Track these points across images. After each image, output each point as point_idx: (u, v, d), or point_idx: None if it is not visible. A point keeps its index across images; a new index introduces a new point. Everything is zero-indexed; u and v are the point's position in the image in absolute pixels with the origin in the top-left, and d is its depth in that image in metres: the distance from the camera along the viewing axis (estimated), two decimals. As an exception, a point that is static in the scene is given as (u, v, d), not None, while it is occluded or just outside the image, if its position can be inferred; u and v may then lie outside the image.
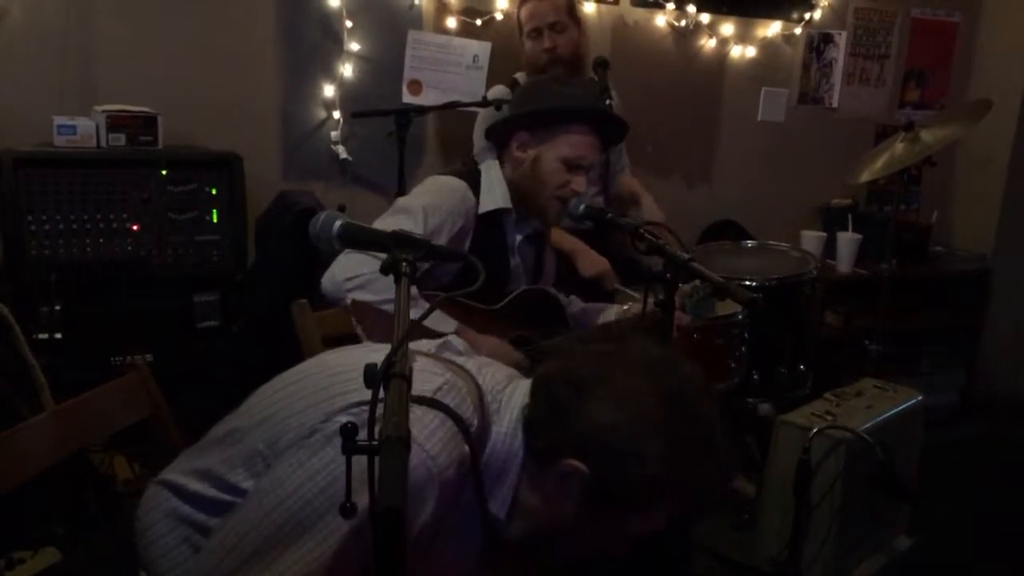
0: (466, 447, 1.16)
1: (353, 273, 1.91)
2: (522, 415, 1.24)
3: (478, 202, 2.15)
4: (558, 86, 2.22)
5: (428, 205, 2.05)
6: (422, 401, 1.15)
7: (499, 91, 3.13)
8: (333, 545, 1.09)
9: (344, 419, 1.06)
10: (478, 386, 1.25)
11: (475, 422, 1.19)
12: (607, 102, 2.87)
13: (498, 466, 1.23)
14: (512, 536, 1.27)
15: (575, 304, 2.40)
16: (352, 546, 1.09)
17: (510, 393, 1.28)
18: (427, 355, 1.31)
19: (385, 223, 2.03)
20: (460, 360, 1.32)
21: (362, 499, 0.90)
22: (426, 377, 1.20)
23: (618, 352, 1.24)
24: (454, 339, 1.43)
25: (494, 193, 2.17)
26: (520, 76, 3.15)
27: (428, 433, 1.13)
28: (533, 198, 2.16)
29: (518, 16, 3.19)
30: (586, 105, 2.19)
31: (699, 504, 1.28)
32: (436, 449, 1.13)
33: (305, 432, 1.16)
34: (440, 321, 1.97)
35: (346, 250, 1.95)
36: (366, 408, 0.97)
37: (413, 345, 1.24)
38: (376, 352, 1.07)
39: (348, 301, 1.95)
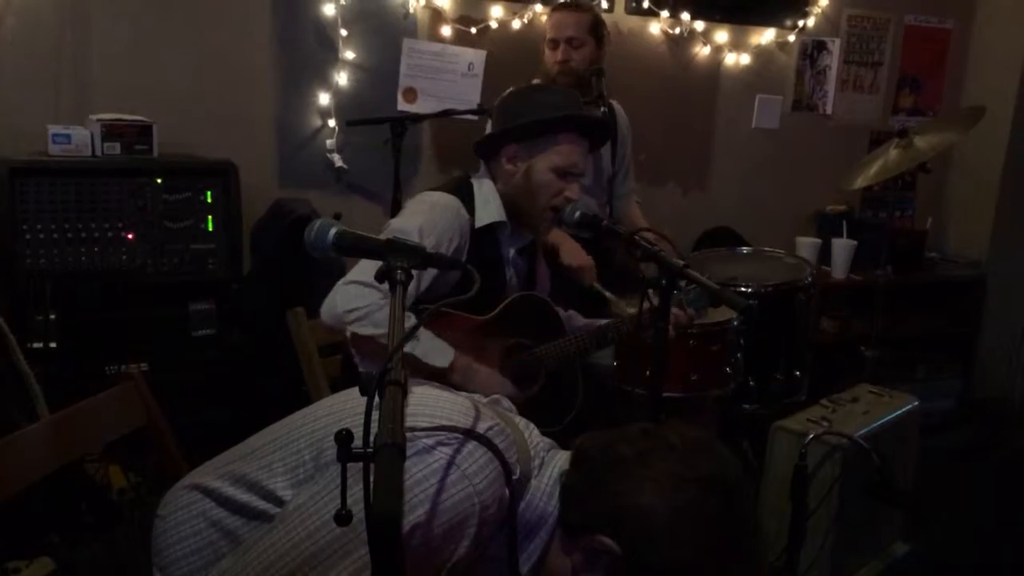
0: (507, 491, 1.17)
1: (353, 305, 1.90)
2: (559, 481, 1.24)
3: (472, 217, 2.14)
4: (538, 95, 2.22)
5: (423, 225, 2.03)
6: (475, 436, 1.16)
7: None
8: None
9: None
10: (525, 439, 1.26)
11: (518, 470, 1.20)
12: (601, 110, 2.88)
13: (532, 520, 1.23)
14: None
15: (576, 319, 2.40)
16: None
17: (553, 456, 1.28)
18: (480, 403, 1.31)
19: None
20: (510, 415, 1.33)
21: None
22: (481, 415, 1.21)
23: (658, 433, 1.22)
24: (504, 399, 1.44)
25: (489, 207, 2.17)
26: (537, 82, 3.17)
27: (477, 468, 1.14)
28: (528, 209, 2.16)
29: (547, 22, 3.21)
30: (571, 113, 2.19)
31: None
32: (482, 485, 1.14)
33: None
34: (436, 350, 1.95)
35: (343, 280, 1.95)
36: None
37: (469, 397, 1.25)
38: (438, 389, 1.08)
39: (348, 334, 1.95)
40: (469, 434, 1.17)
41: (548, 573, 1.24)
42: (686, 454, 1.17)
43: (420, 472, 1.13)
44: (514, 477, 1.19)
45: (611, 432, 1.24)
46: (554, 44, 3.10)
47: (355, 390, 1.21)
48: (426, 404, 1.22)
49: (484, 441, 1.17)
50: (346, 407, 1.29)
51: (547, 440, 1.34)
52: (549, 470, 1.26)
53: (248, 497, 1.25)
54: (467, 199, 2.16)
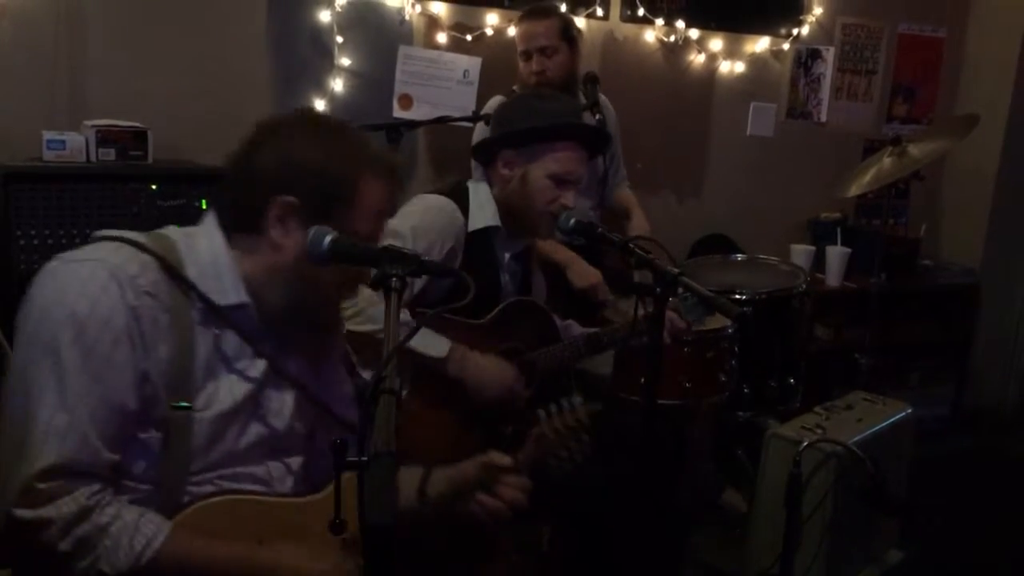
0: (155, 261, 1.31)
1: (348, 303, 1.91)
2: (213, 219, 1.40)
3: (467, 221, 2.15)
4: (537, 102, 2.22)
5: (417, 227, 2.05)
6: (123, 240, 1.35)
7: (499, 102, 3.14)
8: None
9: None
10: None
11: (158, 256, 1.33)
12: (596, 117, 2.88)
13: (207, 261, 1.35)
14: (272, 308, 1.38)
15: (574, 328, 2.40)
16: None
17: (201, 229, 1.42)
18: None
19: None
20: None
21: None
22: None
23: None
24: None
25: (484, 211, 2.17)
26: (519, 89, 3.17)
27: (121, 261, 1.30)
28: (523, 215, 2.16)
29: (516, 33, 3.20)
30: (568, 121, 2.20)
31: (377, 160, 1.42)
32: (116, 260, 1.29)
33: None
34: (432, 341, 1.96)
35: None
36: None
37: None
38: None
39: (344, 331, 1.95)
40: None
41: (259, 277, 1.37)
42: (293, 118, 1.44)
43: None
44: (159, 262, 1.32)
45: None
46: (526, 56, 3.08)
47: None
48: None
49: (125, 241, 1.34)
50: None
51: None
52: (200, 238, 1.39)
53: None
54: (462, 203, 2.16)
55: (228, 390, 1.36)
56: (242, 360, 1.38)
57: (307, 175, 1.35)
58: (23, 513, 1.18)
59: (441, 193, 2.19)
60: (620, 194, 3.39)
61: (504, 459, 1.51)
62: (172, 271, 1.31)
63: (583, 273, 2.87)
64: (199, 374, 1.32)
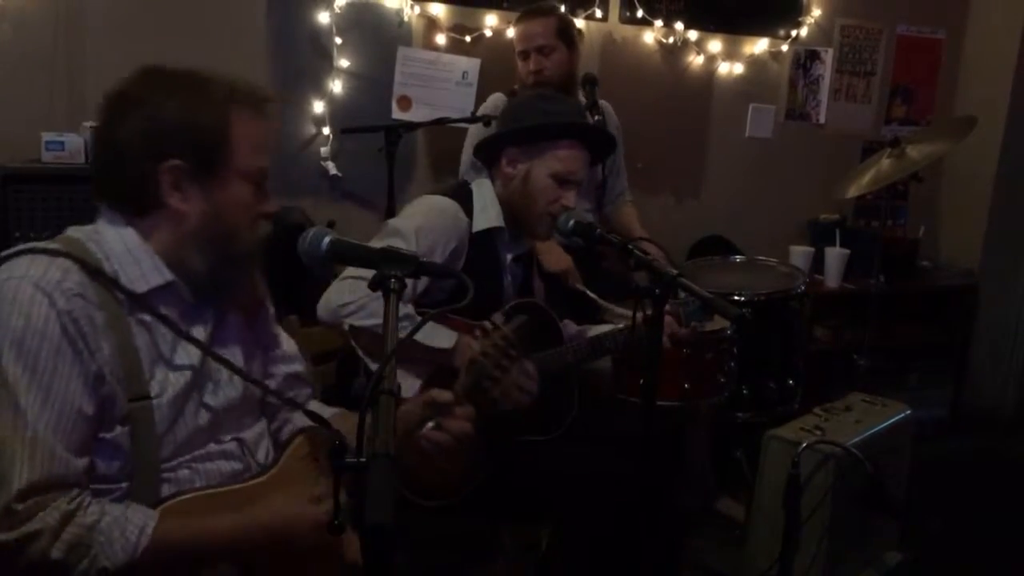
0: (73, 263, 1.29)
1: (347, 299, 1.92)
2: (108, 212, 1.38)
3: (471, 221, 2.15)
4: (543, 103, 2.23)
5: (420, 227, 2.05)
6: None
7: (498, 99, 3.15)
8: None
9: None
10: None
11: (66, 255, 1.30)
12: (595, 118, 2.88)
13: (120, 250, 1.34)
14: (198, 276, 1.38)
15: (568, 327, 2.40)
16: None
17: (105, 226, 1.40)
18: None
19: (377, 245, 2.03)
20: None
21: None
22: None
23: None
24: None
25: (488, 212, 2.17)
26: (519, 89, 3.17)
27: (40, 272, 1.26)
28: (525, 214, 2.16)
29: (513, 33, 3.21)
30: (574, 120, 2.21)
31: (248, 92, 1.43)
32: (38, 274, 1.26)
33: None
34: (439, 333, 1.96)
35: (339, 276, 1.96)
36: None
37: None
38: None
39: (345, 327, 1.95)
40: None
41: (172, 246, 1.37)
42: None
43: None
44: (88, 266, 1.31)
45: None
46: (524, 55, 3.08)
47: None
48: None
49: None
50: None
51: None
52: (104, 227, 1.38)
53: None
54: (466, 203, 2.17)
55: (177, 372, 1.36)
56: (180, 341, 1.37)
57: (178, 133, 1.33)
58: (6, 536, 1.17)
59: (445, 193, 2.19)
60: (623, 212, 3.38)
61: (444, 394, 1.51)
62: (91, 269, 1.30)
63: (556, 258, 2.88)
64: (145, 364, 1.32)
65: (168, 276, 1.36)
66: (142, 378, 1.31)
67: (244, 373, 1.45)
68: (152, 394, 1.31)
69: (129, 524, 1.23)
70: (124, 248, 1.35)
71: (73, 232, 1.39)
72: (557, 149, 2.13)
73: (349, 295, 1.92)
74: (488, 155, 2.25)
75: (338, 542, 1.42)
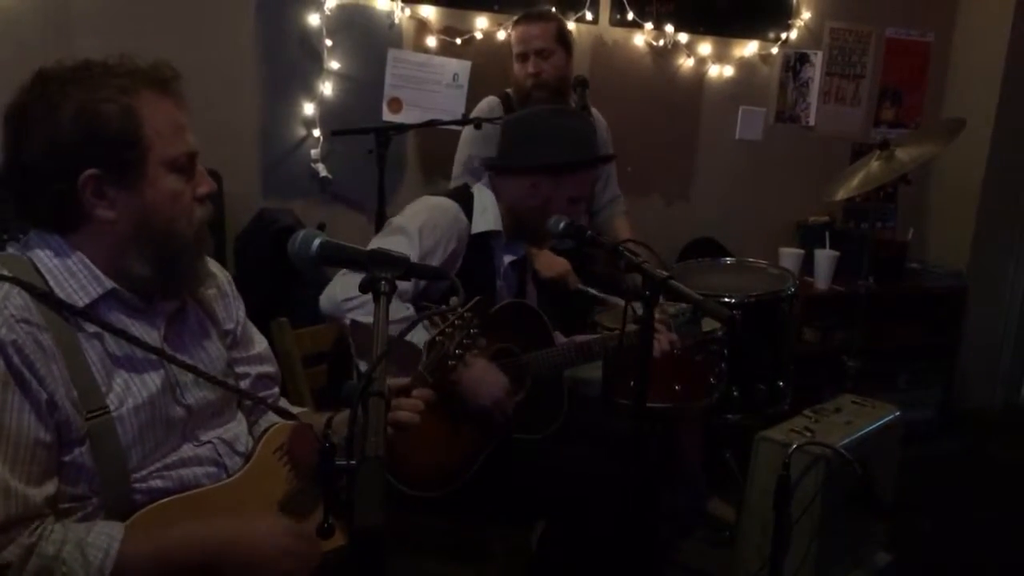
0: (12, 286, 1.24)
1: (352, 294, 1.93)
2: (39, 232, 1.33)
3: (470, 223, 2.18)
4: (562, 120, 2.27)
5: (423, 225, 2.08)
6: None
7: (491, 103, 3.17)
8: None
9: None
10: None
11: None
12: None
13: (54, 266, 1.30)
14: (144, 280, 1.34)
15: (558, 339, 2.41)
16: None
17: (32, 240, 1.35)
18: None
19: (381, 243, 2.05)
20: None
21: None
22: None
23: None
24: None
25: (487, 215, 2.21)
26: (513, 91, 3.19)
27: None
28: (536, 227, 2.19)
29: (510, 35, 3.22)
30: (599, 152, 2.29)
31: (150, 74, 1.33)
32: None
33: None
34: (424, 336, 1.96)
35: (343, 270, 1.97)
36: None
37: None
38: None
39: (347, 321, 1.96)
40: None
41: (107, 257, 1.32)
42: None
43: None
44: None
45: None
46: (523, 57, 3.12)
47: None
48: None
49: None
50: None
51: None
52: (37, 245, 1.33)
53: None
54: (467, 205, 2.20)
55: (137, 382, 1.33)
56: (135, 349, 1.34)
57: (84, 143, 1.26)
58: None
59: (446, 195, 2.23)
60: (615, 224, 3.40)
61: (400, 381, 1.51)
62: (32, 289, 1.25)
63: (551, 263, 2.89)
64: (100, 378, 1.29)
65: (108, 284, 1.31)
66: (98, 392, 1.28)
67: (202, 372, 1.41)
68: (111, 407, 1.29)
69: (91, 548, 1.21)
70: (58, 263, 1.30)
71: (11, 250, 1.34)
72: (578, 175, 2.21)
73: (354, 290, 1.92)
74: (503, 169, 2.26)
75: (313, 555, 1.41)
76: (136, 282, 1.34)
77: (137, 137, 1.28)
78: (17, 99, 1.32)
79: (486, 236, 2.21)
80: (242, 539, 1.33)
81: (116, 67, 1.31)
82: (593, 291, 2.71)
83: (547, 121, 2.29)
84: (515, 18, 3.23)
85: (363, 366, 2.10)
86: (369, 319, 1.89)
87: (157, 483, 1.34)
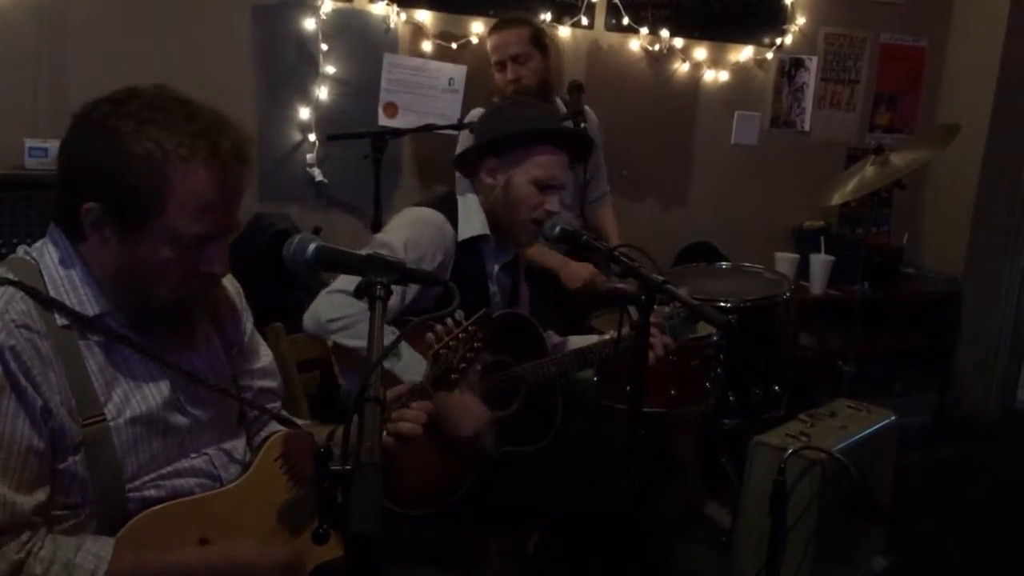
0: (17, 290, 1.24)
1: (337, 315, 1.91)
2: (55, 230, 1.34)
3: (456, 232, 2.16)
4: (515, 110, 2.25)
5: (408, 239, 2.05)
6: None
7: (480, 114, 3.16)
8: None
9: None
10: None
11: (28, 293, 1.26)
12: (581, 126, 2.89)
13: (59, 275, 1.30)
14: (135, 307, 1.32)
15: (552, 338, 2.40)
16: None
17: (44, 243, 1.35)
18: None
19: None
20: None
21: None
22: None
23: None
24: None
25: (472, 220, 2.18)
26: (497, 99, 3.18)
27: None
28: (508, 222, 2.17)
29: (488, 45, 3.23)
30: (549, 125, 2.23)
31: (220, 147, 1.28)
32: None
33: None
34: (415, 366, 1.92)
35: (328, 288, 1.95)
36: None
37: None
38: None
39: (330, 343, 1.94)
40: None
41: (103, 278, 1.31)
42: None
43: None
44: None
45: None
46: (501, 65, 3.15)
47: None
48: None
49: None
50: None
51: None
52: (48, 249, 1.33)
53: None
54: (451, 214, 2.17)
55: (138, 393, 1.33)
56: (138, 361, 1.34)
57: (103, 177, 1.24)
58: None
59: (430, 205, 2.19)
60: (601, 213, 3.41)
61: (399, 389, 1.52)
62: (36, 295, 1.25)
63: (575, 275, 2.91)
64: (99, 387, 1.28)
65: (104, 307, 1.30)
66: (96, 400, 1.27)
67: (206, 383, 1.41)
68: (108, 416, 1.28)
69: (78, 571, 1.20)
70: (63, 274, 1.30)
71: (23, 253, 1.34)
72: (535, 155, 2.14)
73: (340, 311, 1.91)
74: (468, 167, 2.25)
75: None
76: (129, 310, 1.34)
77: (153, 199, 1.24)
78: (102, 97, 1.33)
79: (474, 242, 2.19)
80: (233, 565, 1.33)
81: (198, 119, 1.30)
82: (623, 284, 2.70)
83: (500, 110, 2.33)
84: (489, 27, 3.26)
85: (345, 384, 2.09)
86: (351, 343, 1.90)
87: (151, 492, 1.33)
